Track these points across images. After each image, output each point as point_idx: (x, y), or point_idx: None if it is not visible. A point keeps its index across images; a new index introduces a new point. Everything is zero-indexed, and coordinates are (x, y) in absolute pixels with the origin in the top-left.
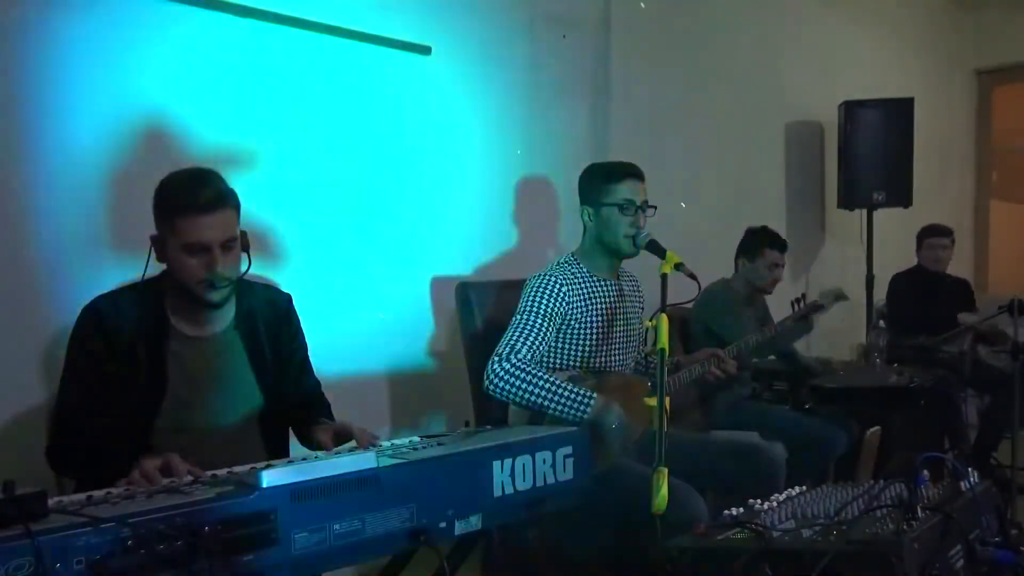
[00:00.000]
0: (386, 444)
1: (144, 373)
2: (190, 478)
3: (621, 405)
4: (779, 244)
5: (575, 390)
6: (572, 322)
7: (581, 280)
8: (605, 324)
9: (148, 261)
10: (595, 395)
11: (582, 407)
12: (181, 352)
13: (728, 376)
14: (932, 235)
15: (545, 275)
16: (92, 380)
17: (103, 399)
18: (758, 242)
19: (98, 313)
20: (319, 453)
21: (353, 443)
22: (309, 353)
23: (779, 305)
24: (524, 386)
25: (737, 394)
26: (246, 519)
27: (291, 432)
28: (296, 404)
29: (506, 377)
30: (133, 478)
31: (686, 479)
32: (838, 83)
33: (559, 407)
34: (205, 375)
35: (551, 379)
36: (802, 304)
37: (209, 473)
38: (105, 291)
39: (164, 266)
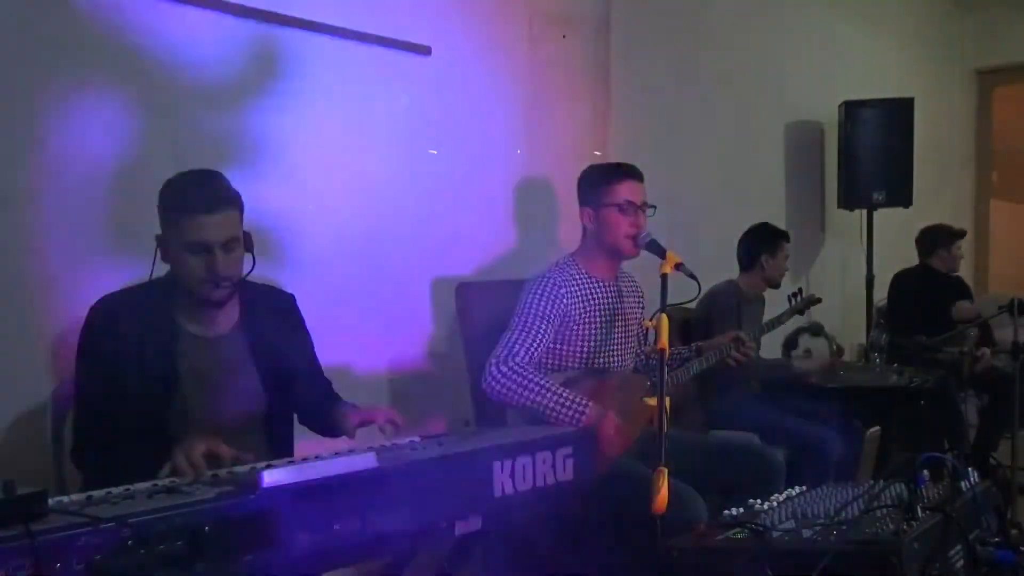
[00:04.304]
0: (387, 444)
1: (154, 371)
2: (209, 473)
3: (620, 405)
4: (787, 236)
5: (571, 397)
6: (571, 324)
7: (580, 282)
8: (604, 325)
9: (155, 261)
10: (590, 403)
11: (577, 414)
12: (188, 351)
13: (747, 359)
14: (956, 238)
15: (544, 277)
16: (104, 378)
17: (117, 396)
18: (774, 237)
19: (106, 311)
20: (322, 453)
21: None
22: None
23: (778, 303)
24: (520, 390)
25: (745, 392)
26: (246, 519)
27: (306, 429)
28: (305, 403)
29: (503, 380)
30: (178, 464)
31: (686, 479)
32: (838, 83)
33: (555, 412)
34: (210, 375)
35: (548, 384)
36: (799, 298)
37: (210, 473)
38: (110, 291)
39: (169, 266)
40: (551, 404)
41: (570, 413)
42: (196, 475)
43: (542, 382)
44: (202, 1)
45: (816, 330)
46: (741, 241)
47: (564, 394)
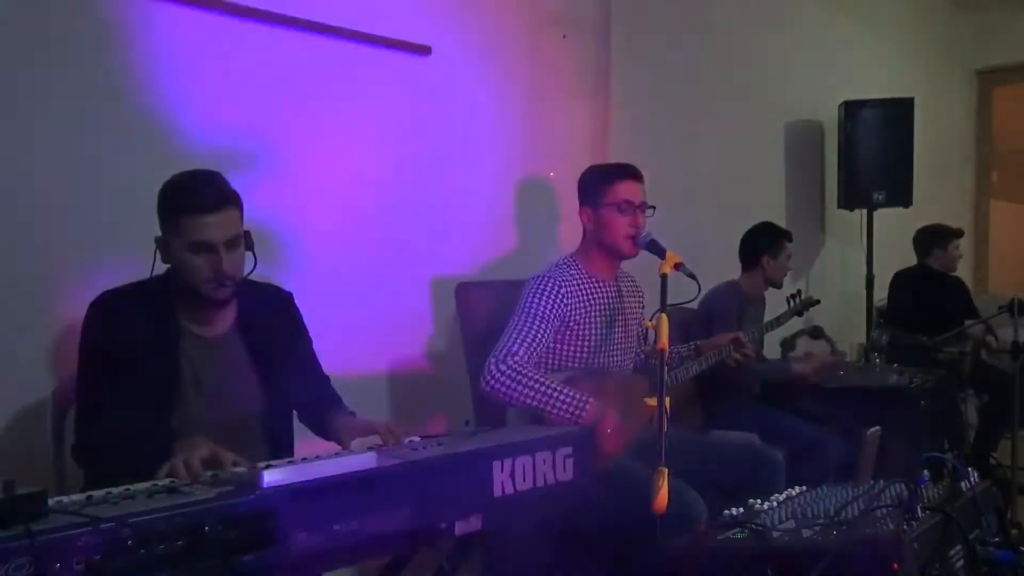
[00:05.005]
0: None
1: (156, 368)
2: (208, 473)
3: (621, 405)
4: (789, 236)
5: (571, 394)
6: (571, 324)
7: (580, 282)
8: (604, 325)
9: (154, 263)
10: (591, 399)
11: (578, 411)
12: (189, 351)
13: (747, 360)
14: (952, 237)
15: (544, 277)
16: (106, 374)
17: (119, 393)
18: (776, 237)
19: (106, 307)
20: (320, 453)
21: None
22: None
23: (781, 303)
24: (520, 388)
25: (745, 392)
26: (246, 519)
27: (306, 429)
28: (304, 402)
29: (502, 379)
30: (176, 467)
31: (686, 479)
32: (838, 83)
33: (555, 410)
34: (210, 375)
35: (547, 381)
36: (798, 299)
37: (209, 473)
38: (110, 288)
39: (168, 267)
40: (551, 402)
41: (571, 410)
42: (193, 480)
43: (541, 380)
44: (202, 1)
45: (816, 333)
46: (743, 241)
47: (564, 391)
